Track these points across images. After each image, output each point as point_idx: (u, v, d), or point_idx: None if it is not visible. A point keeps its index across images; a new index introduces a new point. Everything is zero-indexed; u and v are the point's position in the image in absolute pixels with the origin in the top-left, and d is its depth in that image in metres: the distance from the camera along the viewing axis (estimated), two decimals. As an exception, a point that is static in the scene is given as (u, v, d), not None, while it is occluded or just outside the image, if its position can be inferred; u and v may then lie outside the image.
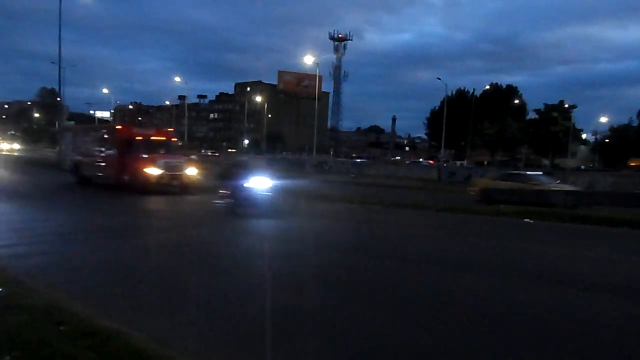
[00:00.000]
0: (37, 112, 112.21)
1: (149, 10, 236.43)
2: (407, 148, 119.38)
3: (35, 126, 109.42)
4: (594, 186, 27.53)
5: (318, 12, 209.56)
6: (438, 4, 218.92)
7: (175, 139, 24.34)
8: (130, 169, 18.84)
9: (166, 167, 18.58)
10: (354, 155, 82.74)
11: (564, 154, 65.33)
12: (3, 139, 75.57)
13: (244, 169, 14.27)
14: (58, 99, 61.34)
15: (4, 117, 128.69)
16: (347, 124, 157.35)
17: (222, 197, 13.81)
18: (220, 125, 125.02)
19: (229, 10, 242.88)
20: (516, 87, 75.86)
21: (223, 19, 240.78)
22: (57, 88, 56.84)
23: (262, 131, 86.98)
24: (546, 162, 68.08)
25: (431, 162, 63.75)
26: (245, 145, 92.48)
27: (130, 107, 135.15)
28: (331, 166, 44.75)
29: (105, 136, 21.43)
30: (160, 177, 18.37)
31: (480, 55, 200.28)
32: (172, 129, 24.29)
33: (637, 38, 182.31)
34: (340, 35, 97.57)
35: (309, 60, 50.82)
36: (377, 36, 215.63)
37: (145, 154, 18.84)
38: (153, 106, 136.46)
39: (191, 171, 19.34)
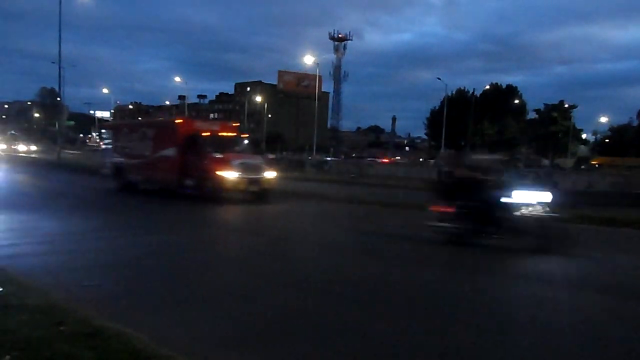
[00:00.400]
0: (37, 112, 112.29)
1: (149, 10, 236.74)
2: (407, 148, 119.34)
3: (35, 126, 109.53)
4: (593, 186, 27.54)
5: (318, 12, 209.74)
6: (438, 4, 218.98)
7: (246, 135, 20.89)
8: (197, 171, 15.66)
9: (244, 169, 15.31)
10: (353, 155, 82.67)
11: (564, 154, 65.41)
12: (17, 140, 69.56)
13: (492, 175, 9.41)
14: (58, 99, 61.40)
15: (4, 117, 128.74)
16: (347, 124, 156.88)
17: (442, 218, 9.13)
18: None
19: (229, 10, 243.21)
20: (516, 87, 75.90)
21: (223, 19, 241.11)
22: (57, 88, 56.96)
23: (262, 131, 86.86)
24: (546, 162, 68.17)
25: (384, 160, 63.22)
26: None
27: (130, 107, 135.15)
28: (331, 166, 44.70)
29: (161, 133, 18.07)
30: (238, 181, 15.13)
31: (480, 55, 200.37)
32: (237, 123, 20.01)
33: (637, 38, 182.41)
34: (340, 35, 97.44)
35: (309, 60, 50.91)
36: (377, 36, 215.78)
37: (215, 153, 15.74)
38: (153, 106, 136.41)
39: (270, 174, 16.12)
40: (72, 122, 79.67)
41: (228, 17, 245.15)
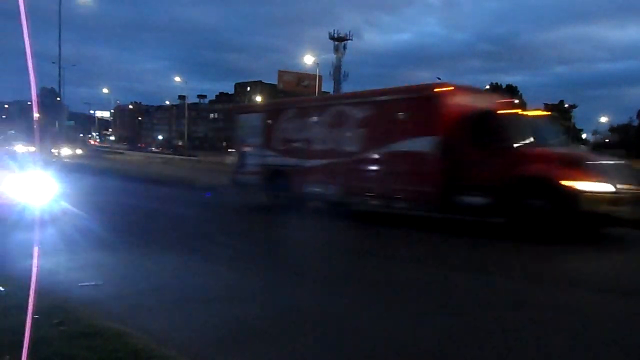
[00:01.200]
0: (37, 112, 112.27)
1: (149, 10, 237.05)
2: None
3: (35, 126, 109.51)
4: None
5: (318, 12, 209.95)
6: (437, 4, 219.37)
7: (554, 115, 10.88)
8: (497, 179, 8.96)
9: (619, 177, 8.51)
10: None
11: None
12: (54, 143, 58.42)
13: None
14: (58, 98, 61.22)
15: (4, 117, 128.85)
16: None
17: None
18: (220, 125, 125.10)
19: (229, 10, 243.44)
20: (516, 86, 75.87)
21: (223, 19, 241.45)
22: (57, 88, 56.75)
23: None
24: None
25: None
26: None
27: (130, 107, 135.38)
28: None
29: (389, 112, 10.94)
30: (612, 199, 8.17)
31: (480, 55, 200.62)
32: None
33: (636, 38, 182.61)
34: (340, 35, 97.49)
35: (309, 60, 50.96)
36: (377, 36, 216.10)
37: (532, 146, 9.21)
38: (153, 106, 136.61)
39: None
40: (72, 122, 79.67)
41: (228, 17, 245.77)
